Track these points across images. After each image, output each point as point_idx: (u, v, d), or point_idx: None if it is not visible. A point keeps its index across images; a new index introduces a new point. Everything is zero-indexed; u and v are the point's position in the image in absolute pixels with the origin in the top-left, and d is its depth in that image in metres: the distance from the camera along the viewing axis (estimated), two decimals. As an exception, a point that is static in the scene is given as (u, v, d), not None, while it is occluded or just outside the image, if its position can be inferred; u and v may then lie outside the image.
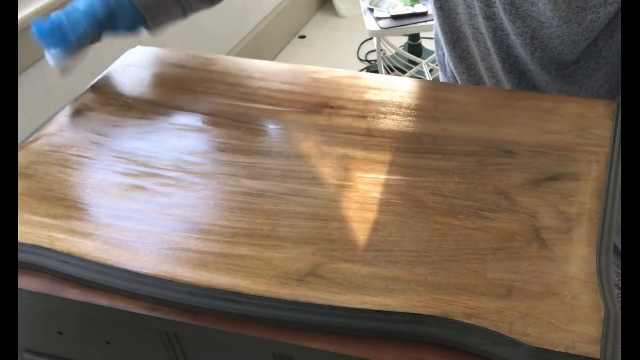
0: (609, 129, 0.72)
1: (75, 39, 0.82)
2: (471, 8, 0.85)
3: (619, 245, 0.56)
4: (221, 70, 0.90)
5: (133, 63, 0.92)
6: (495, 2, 0.81)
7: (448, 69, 1.01)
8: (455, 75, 0.96)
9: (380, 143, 0.74)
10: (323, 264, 0.60)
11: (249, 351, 0.60)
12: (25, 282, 0.63)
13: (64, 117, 0.83)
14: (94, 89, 0.88)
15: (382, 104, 0.80)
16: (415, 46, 2.21)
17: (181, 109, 0.83)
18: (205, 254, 0.62)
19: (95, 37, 0.85)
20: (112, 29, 0.85)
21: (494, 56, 0.88)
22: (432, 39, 2.33)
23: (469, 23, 0.87)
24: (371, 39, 2.29)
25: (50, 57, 0.81)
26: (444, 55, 1.00)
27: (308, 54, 2.51)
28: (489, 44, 0.87)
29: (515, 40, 0.84)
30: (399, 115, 0.78)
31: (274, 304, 0.57)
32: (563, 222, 0.62)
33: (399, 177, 0.69)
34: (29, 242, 0.65)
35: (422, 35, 2.23)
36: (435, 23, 0.99)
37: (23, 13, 1.42)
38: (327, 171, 0.71)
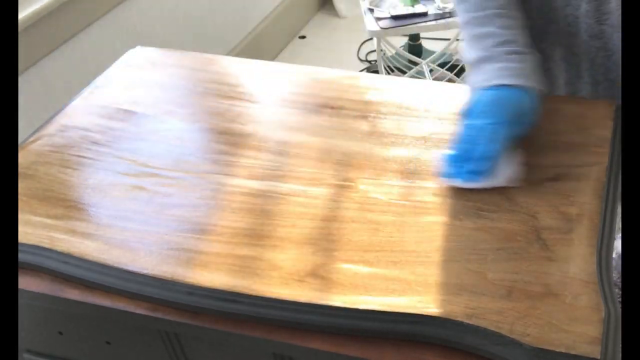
0: (609, 129, 0.72)
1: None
2: (571, 26, 0.79)
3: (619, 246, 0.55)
4: (221, 70, 0.90)
5: (133, 63, 0.92)
6: (608, 19, 0.76)
7: None
8: None
9: (380, 143, 0.74)
10: (323, 264, 0.60)
11: (249, 351, 0.60)
12: (25, 282, 0.63)
13: (64, 117, 0.83)
14: (94, 88, 0.87)
15: (382, 104, 0.80)
16: (415, 46, 2.21)
17: (181, 109, 0.83)
18: (205, 254, 0.62)
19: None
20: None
21: (586, 78, 0.82)
22: (432, 39, 2.33)
23: (563, 43, 0.81)
24: (371, 39, 2.28)
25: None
26: None
27: (308, 54, 2.50)
28: (584, 65, 0.81)
29: (619, 62, 0.77)
30: (399, 115, 0.78)
31: (274, 304, 0.57)
32: (563, 222, 0.62)
33: (399, 177, 0.69)
34: (29, 242, 0.65)
35: (422, 35, 2.23)
36: None
37: (23, 13, 1.42)
38: (327, 171, 0.71)
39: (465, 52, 0.75)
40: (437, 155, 0.70)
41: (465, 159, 0.68)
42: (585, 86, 0.82)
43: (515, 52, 0.72)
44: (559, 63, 0.83)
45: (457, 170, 0.68)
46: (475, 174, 0.67)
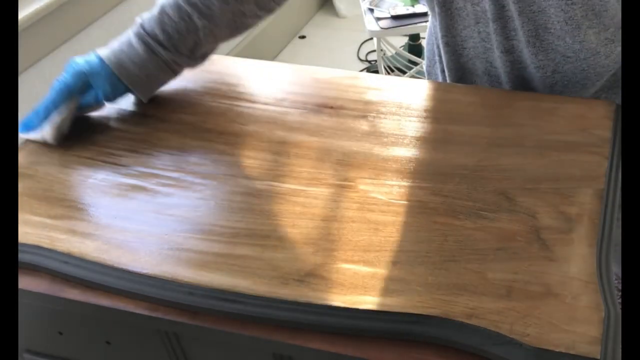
0: (609, 129, 0.72)
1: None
2: (486, 41, 0.82)
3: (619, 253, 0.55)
4: (221, 70, 0.90)
5: (133, 63, 0.92)
6: (516, 35, 0.79)
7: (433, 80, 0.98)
8: None
9: (380, 143, 0.74)
10: (323, 264, 0.60)
11: (249, 351, 0.60)
12: (25, 282, 0.63)
13: (64, 117, 0.83)
14: (94, 89, 0.87)
15: (382, 104, 0.80)
16: (415, 46, 2.21)
17: (181, 109, 0.83)
18: (205, 254, 0.62)
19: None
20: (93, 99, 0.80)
21: (508, 90, 0.84)
22: (432, 39, 2.33)
23: (481, 57, 0.84)
24: (371, 39, 2.29)
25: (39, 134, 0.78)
26: (431, 65, 0.97)
27: (308, 54, 2.51)
28: (503, 78, 0.84)
29: (534, 74, 0.81)
30: (399, 115, 0.78)
31: (274, 304, 0.57)
32: (563, 222, 0.62)
33: (399, 177, 0.69)
34: (29, 242, 0.65)
35: (422, 35, 2.23)
36: (430, 44, 0.96)
37: (23, 13, 1.42)
38: (327, 171, 0.71)
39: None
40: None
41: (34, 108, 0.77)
42: None
43: (145, 42, 0.78)
44: (482, 77, 0.86)
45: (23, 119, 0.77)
46: (25, 123, 0.77)
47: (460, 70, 0.88)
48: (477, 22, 0.81)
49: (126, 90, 0.80)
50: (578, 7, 0.74)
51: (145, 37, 0.78)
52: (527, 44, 0.79)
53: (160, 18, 0.78)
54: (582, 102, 0.77)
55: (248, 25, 0.83)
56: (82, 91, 0.78)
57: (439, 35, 0.86)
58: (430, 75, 0.99)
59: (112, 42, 0.79)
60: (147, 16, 0.79)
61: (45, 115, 0.76)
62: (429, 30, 0.97)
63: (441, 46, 0.87)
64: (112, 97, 0.80)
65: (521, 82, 0.84)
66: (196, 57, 0.82)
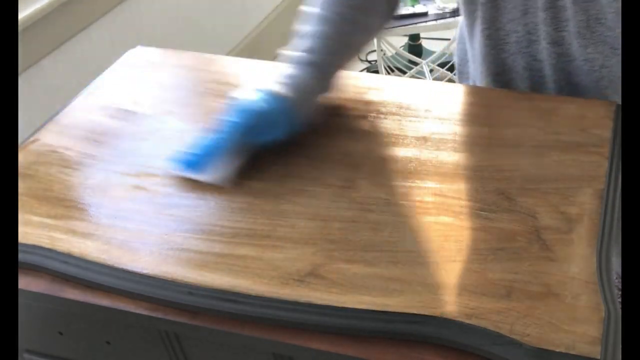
0: (609, 129, 0.72)
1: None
2: (532, 33, 0.80)
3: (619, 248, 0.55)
4: (221, 70, 0.90)
5: (133, 63, 0.92)
6: (567, 26, 0.77)
7: (464, 79, 0.96)
8: None
9: (380, 143, 0.74)
10: (323, 264, 0.60)
11: (249, 351, 0.60)
12: (25, 282, 0.63)
13: (63, 117, 0.83)
14: (94, 88, 0.87)
15: (382, 104, 0.80)
16: (415, 46, 2.21)
17: (181, 109, 0.83)
18: (205, 254, 0.62)
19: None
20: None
21: (550, 84, 0.83)
22: (432, 39, 2.33)
23: (524, 51, 0.82)
24: (371, 39, 2.28)
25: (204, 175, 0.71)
26: (462, 64, 0.95)
27: (308, 54, 2.50)
28: (546, 71, 0.82)
29: (581, 67, 0.79)
30: (399, 115, 0.78)
31: (274, 304, 0.57)
32: (563, 222, 0.62)
33: (399, 177, 0.69)
34: (29, 242, 0.65)
35: (422, 35, 2.23)
36: (461, 43, 0.94)
37: (23, 13, 1.42)
38: (327, 171, 0.71)
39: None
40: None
41: (192, 147, 0.71)
42: (549, 92, 0.83)
43: (310, 64, 0.73)
44: (521, 72, 0.84)
45: (179, 156, 0.71)
46: (190, 163, 0.71)
47: (499, 66, 0.85)
48: (524, 13, 0.79)
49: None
50: None
51: (318, 67, 0.74)
52: (577, 35, 0.77)
53: (326, 44, 0.75)
54: (582, 102, 0.77)
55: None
56: (258, 132, 0.71)
57: (480, 28, 0.84)
58: (462, 75, 0.97)
59: (272, 76, 0.74)
60: (308, 44, 0.75)
61: (213, 155, 0.70)
62: (459, 29, 0.94)
63: (480, 40, 0.84)
64: (291, 134, 0.73)
65: (566, 77, 0.81)
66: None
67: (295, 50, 0.75)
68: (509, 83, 0.86)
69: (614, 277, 0.59)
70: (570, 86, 0.82)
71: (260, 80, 0.73)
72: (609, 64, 0.78)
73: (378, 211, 0.65)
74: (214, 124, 0.72)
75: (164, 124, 0.80)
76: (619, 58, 0.77)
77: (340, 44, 0.76)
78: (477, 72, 0.89)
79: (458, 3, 0.88)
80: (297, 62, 0.74)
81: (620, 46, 0.76)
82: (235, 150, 0.71)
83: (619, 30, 0.75)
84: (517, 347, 0.52)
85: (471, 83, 0.92)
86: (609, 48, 0.77)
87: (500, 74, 0.86)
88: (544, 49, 0.80)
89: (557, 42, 0.79)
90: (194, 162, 0.71)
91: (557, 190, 0.65)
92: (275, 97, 0.71)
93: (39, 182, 0.73)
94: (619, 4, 0.73)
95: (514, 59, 0.83)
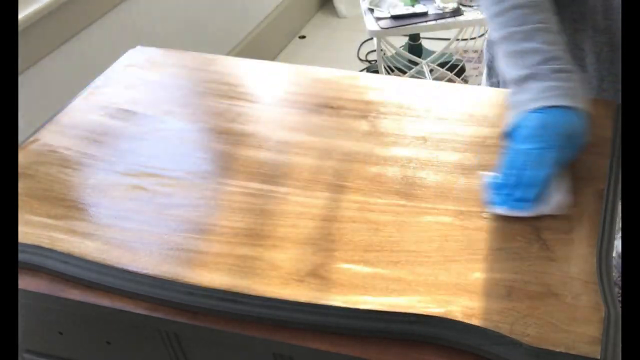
0: (609, 129, 0.72)
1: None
2: (578, 22, 0.79)
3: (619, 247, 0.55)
4: (221, 70, 0.90)
5: (133, 63, 0.92)
6: (613, 14, 0.76)
7: (494, 75, 0.94)
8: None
9: (381, 143, 0.74)
10: (323, 264, 0.60)
11: (249, 351, 0.60)
12: (25, 282, 0.63)
13: (63, 117, 0.83)
14: (94, 88, 0.87)
15: (382, 104, 0.80)
16: (415, 46, 2.21)
17: (181, 109, 0.83)
18: (205, 254, 0.62)
19: None
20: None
21: (592, 73, 0.82)
22: (432, 39, 2.33)
23: (569, 39, 0.79)
24: (371, 39, 2.28)
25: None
26: (493, 60, 0.92)
27: (308, 54, 2.50)
28: (588, 60, 0.81)
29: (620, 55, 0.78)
30: (399, 115, 0.78)
31: (274, 304, 0.57)
32: (563, 222, 0.62)
33: (400, 177, 0.69)
34: (29, 242, 0.65)
35: (422, 35, 2.23)
36: (491, 43, 0.90)
37: (23, 13, 1.42)
38: (328, 171, 0.71)
39: (506, 69, 0.72)
40: (481, 182, 0.67)
41: (512, 186, 0.65)
42: (591, 80, 0.82)
43: (562, 70, 0.69)
44: None
45: (503, 198, 0.65)
46: (524, 201, 0.64)
47: None
48: (573, 2, 0.78)
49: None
50: None
51: (565, 69, 0.70)
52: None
53: (557, 47, 0.70)
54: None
55: None
56: (569, 150, 0.67)
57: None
58: (491, 71, 0.95)
59: (531, 92, 0.69)
60: (545, 56, 0.70)
61: (545, 186, 0.65)
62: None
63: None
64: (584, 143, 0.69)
65: (608, 66, 0.80)
66: None
67: (530, 66, 0.69)
68: None
69: (615, 274, 0.59)
70: (612, 76, 0.81)
71: (531, 100, 0.67)
72: None
73: (378, 211, 0.65)
74: (522, 157, 0.66)
75: (164, 123, 0.80)
76: None
77: (563, 44, 0.71)
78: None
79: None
80: (554, 72, 0.69)
81: None
82: (555, 175, 0.65)
83: None
84: (517, 347, 0.52)
85: (501, 80, 0.91)
86: None
87: None
88: (589, 37, 0.79)
89: (604, 31, 0.78)
90: (526, 198, 0.65)
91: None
92: (571, 110, 0.67)
93: (39, 182, 0.73)
94: None
95: None
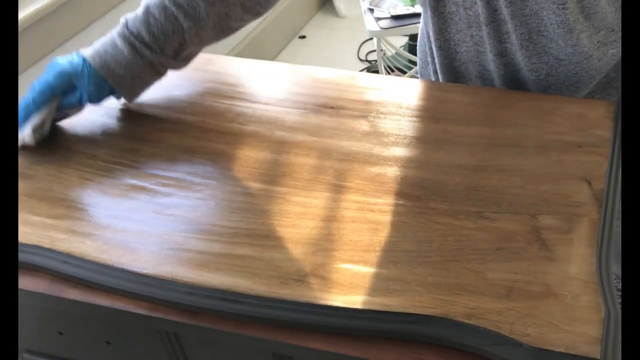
0: (609, 129, 0.72)
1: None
2: (479, 45, 0.82)
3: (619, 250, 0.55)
4: (221, 70, 0.90)
5: (133, 63, 0.92)
6: (509, 38, 0.79)
7: (425, 73, 0.98)
8: None
9: (380, 143, 0.74)
10: (323, 264, 0.60)
11: (249, 351, 0.60)
12: (25, 282, 0.63)
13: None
14: (94, 89, 0.87)
15: (382, 104, 0.80)
16: (415, 46, 2.21)
17: (181, 108, 0.83)
18: (205, 254, 0.62)
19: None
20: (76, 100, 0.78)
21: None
22: (432, 39, 2.33)
23: (474, 61, 0.84)
24: (371, 39, 2.28)
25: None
26: (425, 56, 0.97)
27: (308, 54, 2.51)
28: (496, 81, 0.84)
29: (528, 77, 0.81)
30: (399, 115, 0.78)
31: (274, 304, 0.57)
32: (563, 222, 0.62)
33: (399, 178, 0.69)
34: (29, 242, 0.65)
35: (422, 35, 2.23)
36: (422, 45, 0.95)
37: (23, 13, 1.42)
38: (327, 171, 0.71)
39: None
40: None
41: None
42: None
43: (125, 38, 0.76)
44: (474, 80, 0.86)
45: None
46: None
47: (453, 74, 0.88)
48: (469, 26, 0.81)
49: (110, 92, 0.79)
50: (570, 11, 0.74)
51: (131, 38, 0.76)
52: (520, 47, 0.79)
53: (145, 19, 0.76)
54: (582, 102, 0.77)
55: (234, 28, 0.82)
56: (64, 92, 0.76)
57: (433, 38, 0.86)
58: (423, 77, 0.99)
59: (95, 43, 0.78)
60: (131, 17, 0.77)
61: (26, 115, 0.75)
62: (420, 32, 0.97)
63: (434, 49, 0.87)
64: (95, 99, 0.78)
65: (515, 86, 0.84)
66: (181, 58, 0.81)
67: (125, 25, 0.77)
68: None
69: (614, 278, 0.59)
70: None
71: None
72: (555, 73, 0.80)
73: (378, 211, 0.65)
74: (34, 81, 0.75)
75: (163, 123, 0.80)
76: (566, 68, 0.79)
77: (168, 33, 0.77)
78: (436, 75, 0.91)
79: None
80: (122, 37, 0.77)
81: (564, 57, 0.78)
82: (43, 109, 0.75)
83: (561, 42, 0.77)
84: (517, 347, 0.52)
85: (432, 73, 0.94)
86: (554, 58, 0.79)
87: (454, 80, 0.88)
88: (491, 60, 0.82)
89: (502, 54, 0.81)
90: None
91: (557, 190, 0.66)
92: (80, 59, 0.76)
93: (39, 182, 0.73)
94: (557, 17, 0.74)
95: (466, 67, 0.85)
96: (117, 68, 0.77)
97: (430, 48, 0.90)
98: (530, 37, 0.78)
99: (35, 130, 0.75)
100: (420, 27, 0.97)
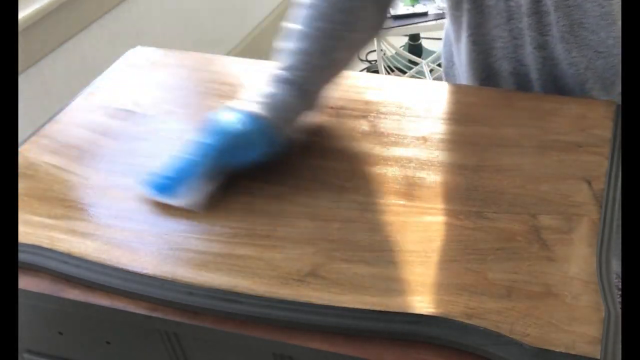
0: (609, 129, 0.72)
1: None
2: (517, 38, 0.80)
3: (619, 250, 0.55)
4: (221, 70, 0.90)
5: (133, 63, 0.92)
6: (550, 30, 0.78)
7: (450, 75, 0.96)
8: None
9: (380, 143, 0.74)
10: (323, 264, 0.60)
11: (249, 351, 0.60)
12: (25, 282, 0.63)
13: (63, 117, 0.83)
14: (94, 88, 0.87)
15: (382, 104, 0.80)
16: (415, 46, 2.21)
17: (181, 109, 0.83)
18: (205, 254, 0.62)
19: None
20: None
21: (537, 88, 0.83)
22: (432, 39, 2.33)
23: (510, 56, 0.82)
24: (371, 39, 2.28)
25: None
26: (450, 58, 0.96)
27: (308, 54, 2.50)
28: (532, 76, 0.82)
29: (566, 70, 0.80)
30: (399, 115, 0.78)
31: (274, 304, 0.57)
32: (563, 222, 0.62)
33: (399, 177, 0.69)
34: (29, 242, 0.65)
35: (422, 35, 2.23)
36: (447, 45, 0.94)
37: (23, 13, 1.42)
38: (327, 171, 0.71)
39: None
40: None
41: (164, 170, 0.68)
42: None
43: (287, 82, 0.70)
44: (507, 77, 0.84)
45: (151, 178, 0.68)
46: (162, 187, 0.67)
47: (485, 71, 0.86)
48: (509, 19, 0.79)
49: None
50: (615, 2, 0.73)
51: (298, 85, 0.71)
52: (561, 39, 0.77)
53: (306, 61, 0.72)
54: (582, 102, 0.77)
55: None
56: (233, 154, 0.68)
57: (466, 34, 0.84)
58: (448, 77, 0.97)
59: (248, 94, 0.71)
60: (288, 62, 0.72)
61: (186, 179, 0.67)
62: (445, 32, 0.95)
63: (466, 45, 0.85)
64: (270, 155, 0.70)
65: (552, 80, 0.82)
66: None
67: (275, 67, 0.72)
68: (495, 87, 0.86)
69: (614, 278, 0.59)
70: (556, 89, 0.82)
71: (237, 100, 0.71)
72: (594, 67, 0.79)
73: (378, 211, 0.65)
74: (188, 145, 0.69)
75: (164, 124, 0.80)
76: (604, 60, 0.78)
77: (322, 60, 0.72)
78: (463, 75, 0.90)
79: (443, 9, 0.88)
80: (276, 81, 0.71)
81: (604, 49, 0.77)
82: (209, 173, 0.67)
83: (602, 34, 0.76)
84: (517, 347, 0.52)
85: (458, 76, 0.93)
86: (593, 51, 0.78)
87: (486, 78, 0.86)
88: (529, 53, 0.81)
89: (542, 47, 0.80)
90: (167, 186, 0.67)
91: (557, 190, 0.66)
92: (251, 117, 0.68)
93: (39, 182, 0.73)
94: (602, 9, 0.74)
95: (500, 64, 0.84)
96: (293, 118, 0.72)
97: (457, 48, 0.89)
98: (572, 29, 0.76)
99: (206, 197, 0.68)
100: (445, 27, 0.95)
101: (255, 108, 0.69)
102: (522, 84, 0.84)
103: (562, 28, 0.77)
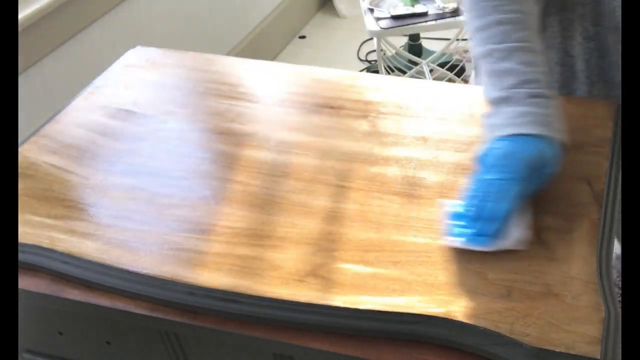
0: (609, 129, 0.72)
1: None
2: (567, 29, 0.78)
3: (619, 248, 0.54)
4: (221, 70, 0.90)
5: (133, 63, 0.92)
6: (603, 21, 0.75)
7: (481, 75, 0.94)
8: None
9: (381, 143, 0.74)
10: (323, 264, 0.60)
11: (249, 351, 0.60)
12: (25, 282, 0.63)
13: (63, 117, 0.83)
14: (94, 88, 0.87)
15: (382, 104, 0.80)
16: (415, 46, 2.21)
17: (181, 109, 0.83)
18: (205, 254, 0.62)
19: None
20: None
21: (582, 80, 0.80)
22: (432, 39, 2.33)
23: (557, 47, 0.80)
24: (371, 39, 2.28)
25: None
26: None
27: (308, 54, 2.50)
28: (578, 67, 0.80)
29: (615, 62, 0.77)
30: (399, 115, 0.78)
31: (274, 304, 0.57)
32: (563, 222, 0.62)
33: (400, 177, 0.69)
34: (29, 242, 0.65)
35: (422, 35, 2.23)
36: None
37: (23, 13, 1.42)
38: (328, 171, 0.71)
39: (484, 88, 0.69)
40: (443, 208, 0.64)
41: (472, 218, 0.62)
42: (580, 87, 0.81)
43: (538, 95, 0.65)
44: (554, 67, 0.83)
45: (462, 231, 0.62)
46: (482, 235, 0.61)
47: None
48: (561, 9, 0.78)
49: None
50: None
51: (545, 95, 0.67)
52: (614, 29, 0.75)
53: (536, 71, 0.67)
54: (583, 102, 0.77)
55: None
56: (531, 179, 0.63)
57: None
58: (478, 70, 0.95)
59: (500, 119, 0.65)
60: (520, 78, 0.67)
61: (506, 220, 0.61)
62: None
63: None
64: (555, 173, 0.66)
65: (598, 73, 0.80)
66: None
67: (506, 89, 0.66)
68: None
69: (615, 275, 0.59)
70: (602, 82, 0.80)
71: (497, 128, 0.65)
72: None
73: (378, 211, 0.65)
74: (483, 186, 0.62)
75: (164, 124, 0.80)
76: None
77: (545, 64, 0.69)
78: None
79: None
80: (526, 97, 0.65)
81: None
82: (519, 205, 0.62)
83: None
84: (517, 347, 0.52)
85: None
86: None
87: None
88: (577, 44, 0.79)
89: (592, 38, 0.77)
90: (489, 231, 0.61)
91: (557, 190, 0.65)
92: (536, 139, 0.63)
93: (39, 182, 0.73)
94: None
95: (547, 53, 0.80)
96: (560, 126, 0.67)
97: None
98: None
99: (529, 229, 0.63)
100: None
101: (533, 129, 0.64)
102: (567, 75, 0.81)
103: (616, 18, 0.74)
